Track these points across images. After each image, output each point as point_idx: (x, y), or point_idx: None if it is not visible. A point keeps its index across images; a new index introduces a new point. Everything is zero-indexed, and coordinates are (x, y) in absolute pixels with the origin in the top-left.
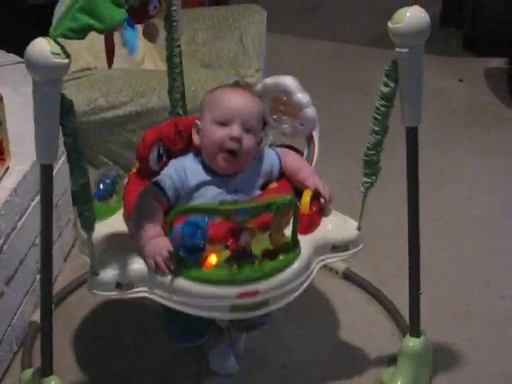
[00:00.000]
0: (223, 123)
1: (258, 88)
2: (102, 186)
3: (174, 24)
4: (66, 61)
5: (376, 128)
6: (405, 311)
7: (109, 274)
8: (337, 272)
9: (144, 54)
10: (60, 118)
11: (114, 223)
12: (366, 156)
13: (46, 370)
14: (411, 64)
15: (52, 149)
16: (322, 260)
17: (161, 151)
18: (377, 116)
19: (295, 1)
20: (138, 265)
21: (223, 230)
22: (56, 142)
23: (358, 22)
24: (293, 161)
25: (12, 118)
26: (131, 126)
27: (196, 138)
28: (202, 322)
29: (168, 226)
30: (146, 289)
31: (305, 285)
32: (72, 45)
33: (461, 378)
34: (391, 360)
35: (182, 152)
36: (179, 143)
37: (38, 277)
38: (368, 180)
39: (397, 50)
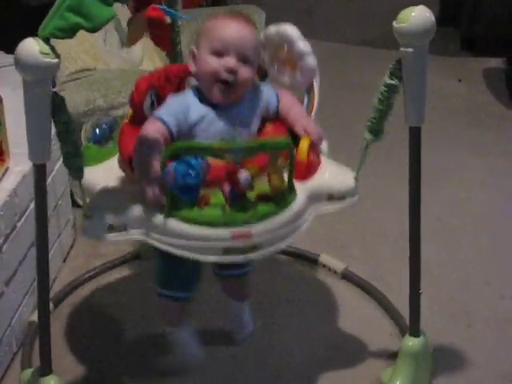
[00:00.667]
0: (219, 53)
1: (260, 37)
2: (98, 131)
3: (176, 19)
4: (56, 60)
5: (379, 107)
6: (404, 311)
7: (101, 216)
8: (335, 272)
9: (143, 55)
10: (52, 114)
11: (108, 167)
12: (368, 121)
13: (45, 369)
14: (416, 63)
15: (44, 148)
16: (318, 208)
17: (153, 98)
18: (380, 97)
19: (293, 1)
20: (130, 207)
21: (219, 172)
22: (48, 141)
23: (355, 23)
24: (288, 101)
25: (11, 119)
26: None
27: (192, 66)
28: (192, 271)
29: (161, 165)
30: (138, 231)
31: (298, 231)
32: (71, 46)
33: (460, 379)
34: (390, 360)
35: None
36: (168, 89)
37: (36, 278)
38: (370, 136)
39: (401, 49)
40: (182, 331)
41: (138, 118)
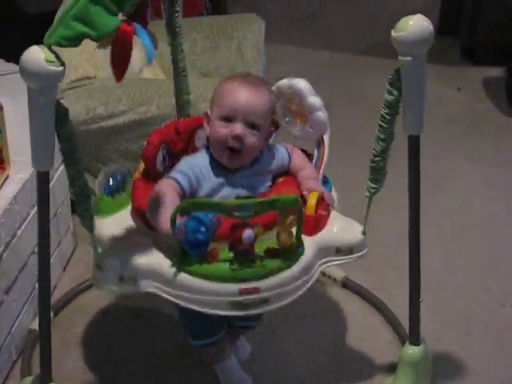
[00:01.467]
0: (227, 119)
1: (272, 89)
2: (111, 182)
3: (177, 30)
4: (61, 68)
5: (382, 135)
6: (404, 319)
7: (112, 267)
8: (335, 280)
9: (143, 63)
10: (55, 124)
11: (121, 218)
12: (372, 162)
13: (45, 377)
14: (414, 72)
15: (47, 156)
16: (326, 262)
17: (164, 153)
18: (382, 124)
19: (293, 10)
20: (141, 258)
21: (227, 226)
22: (52, 149)
23: (355, 31)
24: (299, 161)
25: (12, 126)
26: (130, 134)
27: (207, 129)
28: (212, 318)
29: (171, 221)
30: (148, 283)
31: (307, 286)
32: (72, 54)
33: None
34: (391, 368)
35: (182, 152)
36: (179, 144)
37: (37, 286)
38: (374, 185)
39: (400, 58)
40: (226, 365)
41: (151, 173)
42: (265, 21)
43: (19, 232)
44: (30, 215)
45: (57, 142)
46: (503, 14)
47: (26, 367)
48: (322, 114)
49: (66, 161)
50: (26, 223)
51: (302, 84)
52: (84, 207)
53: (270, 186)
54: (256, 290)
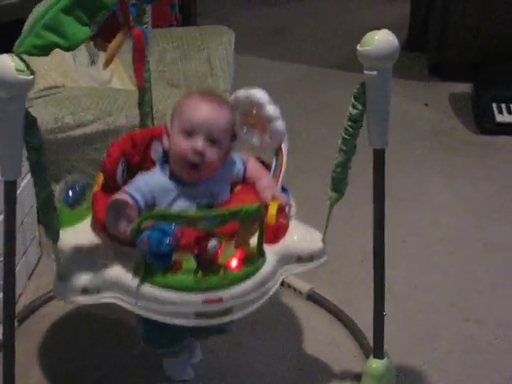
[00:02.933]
0: (188, 133)
1: (232, 116)
2: (70, 193)
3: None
4: (31, 77)
5: (344, 147)
6: (369, 333)
7: (75, 279)
8: (301, 293)
9: (112, 73)
10: (24, 134)
11: (81, 230)
12: (333, 172)
13: None
14: (379, 87)
15: (15, 165)
16: (287, 270)
17: (123, 166)
18: (345, 136)
19: (263, 23)
20: (104, 270)
21: (190, 238)
22: (19, 158)
23: (324, 45)
24: (254, 167)
25: None
26: (98, 144)
27: (166, 143)
28: (177, 328)
29: (135, 232)
30: (112, 294)
31: (269, 294)
32: (40, 63)
33: None
34: (355, 381)
35: (139, 165)
36: (135, 156)
37: (1, 295)
38: (335, 195)
39: (365, 72)
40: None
41: (110, 186)
42: (234, 33)
43: None
44: None
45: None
46: (470, 31)
47: None
48: (279, 124)
49: (32, 170)
50: None
51: (259, 94)
52: (49, 217)
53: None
54: (219, 300)
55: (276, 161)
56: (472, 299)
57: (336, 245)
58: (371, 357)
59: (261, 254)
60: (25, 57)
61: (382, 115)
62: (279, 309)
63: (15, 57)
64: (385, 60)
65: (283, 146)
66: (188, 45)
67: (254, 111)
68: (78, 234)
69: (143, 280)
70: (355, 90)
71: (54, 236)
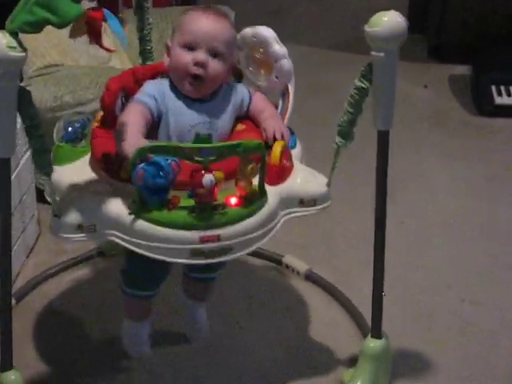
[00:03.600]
0: (190, 47)
1: (234, 33)
2: (70, 130)
3: (146, 17)
4: (23, 54)
5: (350, 110)
6: (366, 313)
7: (70, 215)
8: (299, 273)
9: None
10: (18, 108)
11: (79, 167)
12: (339, 126)
13: (6, 364)
14: (386, 68)
15: (9, 142)
16: (289, 214)
17: (123, 100)
18: (351, 100)
19: (262, 3)
20: (100, 206)
21: (187, 174)
22: (13, 135)
23: (322, 26)
24: (260, 101)
25: None
26: None
27: (166, 60)
28: (160, 267)
29: (130, 166)
30: (107, 231)
31: (269, 235)
32: (39, 41)
33: (420, 381)
34: (352, 361)
35: None
36: (137, 90)
37: None
38: (342, 140)
39: (373, 53)
40: (139, 326)
41: (109, 120)
42: (235, 12)
43: None
44: None
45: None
46: (469, 13)
47: None
48: (286, 62)
49: (27, 132)
50: None
51: (266, 32)
52: (41, 159)
53: (231, 131)
54: (217, 238)
55: (283, 101)
56: (467, 280)
57: (335, 225)
58: (369, 336)
59: (262, 193)
60: (23, 35)
61: (388, 97)
62: (277, 289)
63: (6, 33)
64: (393, 41)
65: (290, 86)
66: None
67: (261, 50)
68: (76, 170)
69: (138, 216)
70: (362, 69)
71: (46, 171)
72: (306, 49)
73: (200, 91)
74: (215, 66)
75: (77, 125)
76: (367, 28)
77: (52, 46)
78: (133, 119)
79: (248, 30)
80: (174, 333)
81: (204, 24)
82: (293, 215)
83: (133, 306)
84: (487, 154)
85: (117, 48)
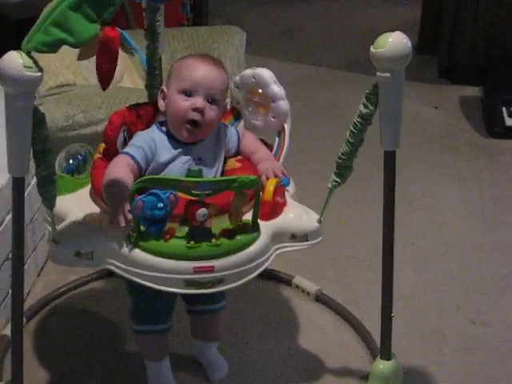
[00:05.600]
0: (187, 93)
1: (235, 79)
2: (72, 162)
3: (157, 38)
4: (39, 74)
5: (351, 140)
6: (375, 334)
7: (68, 242)
8: (308, 294)
9: (123, 72)
10: (32, 130)
11: (79, 197)
12: (338, 159)
13: (17, 383)
14: (392, 88)
15: (24, 162)
16: (281, 248)
17: (125, 134)
18: (353, 130)
19: (273, 23)
20: (98, 234)
21: (181, 204)
22: (28, 155)
23: (332, 46)
24: (250, 141)
25: None
26: None
27: (161, 105)
28: (164, 298)
29: (130, 198)
30: (105, 259)
31: (261, 269)
32: (52, 60)
33: None
34: (362, 382)
35: None
36: (139, 126)
37: (10, 291)
38: (337, 179)
39: (378, 74)
40: (161, 366)
41: (111, 153)
42: (246, 33)
43: None
44: (6, 221)
45: None
46: (480, 34)
47: None
48: (283, 103)
49: (35, 156)
50: (1, 229)
51: (265, 73)
52: (46, 190)
53: (223, 169)
54: (211, 269)
55: (279, 140)
56: (478, 301)
57: (344, 245)
58: (378, 358)
59: (255, 227)
60: (36, 55)
61: (395, 117)
62: (287, 309)
63: (23, 53)
64: (398, 62)
65: (286, 126)
66: (199, 45)
67: (260, 90)
68: (76, 200)
69: (135, 245)
70: (367, 91)
71: (49, 204)
72: (316, 68)
73: (197, 137)
74: (212, 111)
75: (79, 157)
76: (372, 49)
77: (64, 66)
78: (120, 174)
79: (248, 71)
80: (196, 372)
81: (202, 71)
82: (285, 250)
83: (148, 344)
84: (497, 176)
85: (128, 68)
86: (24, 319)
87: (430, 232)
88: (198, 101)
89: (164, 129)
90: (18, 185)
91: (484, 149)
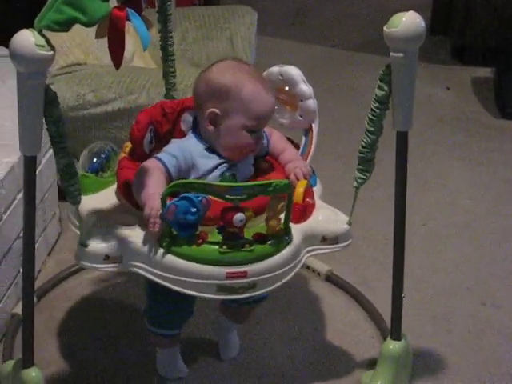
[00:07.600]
0: (252, 130)
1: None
2: (95, 160)
3: (169, 17)
4: (51, 53)
5: (371, 128)
6: (386, 314)
7: (98, 245)
8: (319, 274)
9: (134, 52)
10: (44, 109)
11: (105, 196)
12: (360, 153)
13: (27, 361)
14: (405, 69)
15: (35, 141)
16: (312, 251)
17: (152, 134)
18: (372, 117)
19: (285, 4)
20: (127, 238)
21: (217, 211)
22: (39, 133)
23: (346, 27)
24: (278, 141)
25: (0, 110)
26: (119, 122)
27: (211, 128)
28: (184, 307)
29: (162, 202)
30: (134, 263)
31: (293, 272)
32: (63, 40)
33: (439, 383)
34: (371, 362)
35: (168, 133)
36: (165, 125)
37: (21, 270)
38: (362, 176)
39: (391, 54)
40: (170, 351)
41: (137, 153)
42: (257, 13)
43: (5, 216)
44: (17, 200)
45: (45, 126)
46: (493, 15)
47: (8, 351)
48: (312, 102)
49: (52, 141)
50: (12, 208)
51: (293, 71)
52: (69, 183)
53: (255, 172)
54: (244, 275)
55: (306, 139)
56: (488, 283)
57: (356, 226)
58: (389, 338)
59: (287, 231)
60: (47, 33)
61: (407, 97)
62: (298, 289)
63: (35, 32)
64: (411, 42)
65: (314, 125)
66: (210, 24)
67: (287, 88)
68: (101, 200)
69: (167, 250)
70: (381, 72)
71: (74, 200)
72: (328, 49)
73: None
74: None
75: (102, 155)
76: (386, 29)
77: (75, 45)
78: (152, 173)
79: (274, 69)
80: (205, 351)
81: (269, 104)
82: (315, 252)
83: (159, 341)
84: (509, 157)
85: (139, 48)
86: (35, 298)
87: (441, 213)
88: (262, 135)
89: (203, 142)
90: (30, 163)
91: (496, 130)
